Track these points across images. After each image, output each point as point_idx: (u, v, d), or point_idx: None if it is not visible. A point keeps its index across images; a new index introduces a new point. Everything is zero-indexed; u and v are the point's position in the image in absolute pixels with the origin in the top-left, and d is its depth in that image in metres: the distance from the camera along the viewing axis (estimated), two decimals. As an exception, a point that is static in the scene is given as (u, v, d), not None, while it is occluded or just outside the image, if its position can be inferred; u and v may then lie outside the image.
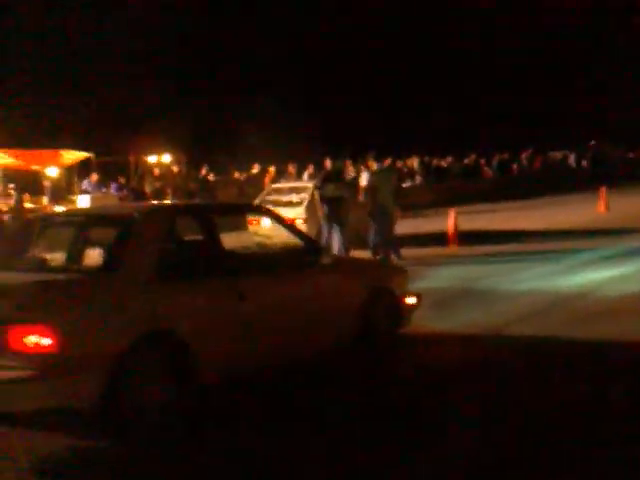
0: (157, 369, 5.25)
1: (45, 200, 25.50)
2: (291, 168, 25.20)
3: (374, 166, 15.16)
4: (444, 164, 33.12)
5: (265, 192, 17.95)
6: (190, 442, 5.21)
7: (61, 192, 25.59)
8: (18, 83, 34.53)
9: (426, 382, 6.63)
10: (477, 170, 33.78)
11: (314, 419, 5.71)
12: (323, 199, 13.85)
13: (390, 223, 13.75)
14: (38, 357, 4.76)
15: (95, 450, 5.18)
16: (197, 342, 5.46)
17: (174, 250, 6.15)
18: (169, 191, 25.74)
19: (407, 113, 43.71)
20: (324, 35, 43.49)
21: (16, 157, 24.73)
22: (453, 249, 15.16)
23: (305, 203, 15.62)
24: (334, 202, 13.66)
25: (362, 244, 14.32)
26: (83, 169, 27.57)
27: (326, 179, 14.20)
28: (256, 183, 25.20)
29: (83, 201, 24.59)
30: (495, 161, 35.15)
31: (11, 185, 23.59)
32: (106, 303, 5.15)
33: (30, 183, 25.98)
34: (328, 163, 17.05)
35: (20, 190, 23.46)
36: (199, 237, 6.39)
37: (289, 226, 7.26)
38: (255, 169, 27.74)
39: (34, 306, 4.91)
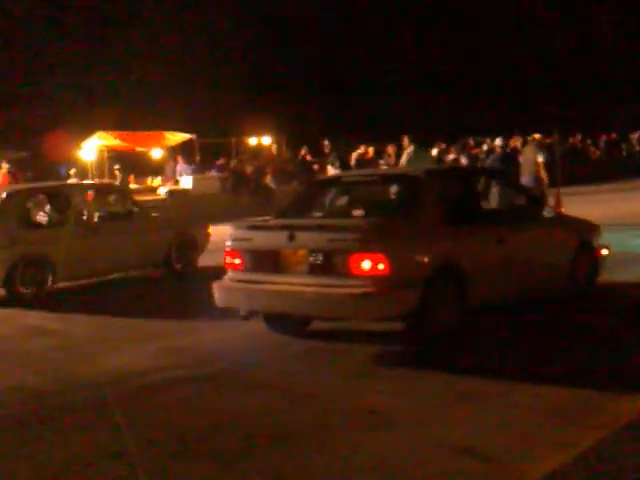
0: (447, 292, 6.93)
1: (149, 180, 26.16)
2: (390, 149, 24.90)
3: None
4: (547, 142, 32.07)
5: None
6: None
7: (165, 172, 26.16)
8: (123, 68, 35.43)
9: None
10: (583, 150, 32.76)
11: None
12: None
13: None
14: (374, 278, 6.46)
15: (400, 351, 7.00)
16: (472, 274, 7.08)
17: (451, 202, 7.60)
18: (269, 171, 25.98)
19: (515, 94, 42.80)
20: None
21: (122, 139, 25.36)
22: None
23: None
24: None
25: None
26: (186, 150, 27.95)
27: None
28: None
29: (186, 182, 24.98)
30: (602, 141, 33.99)
31: (116, 166, 24.19)
32: (417, 240, 6.93)
33: (135, 164, 26.69)
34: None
35: (125, 171, 24.17)
36: (463, 194, 7.99)
37: (516, 185, 9.21)
38: (360, 150, 27.54)
39: (373, 240, 6.55)
